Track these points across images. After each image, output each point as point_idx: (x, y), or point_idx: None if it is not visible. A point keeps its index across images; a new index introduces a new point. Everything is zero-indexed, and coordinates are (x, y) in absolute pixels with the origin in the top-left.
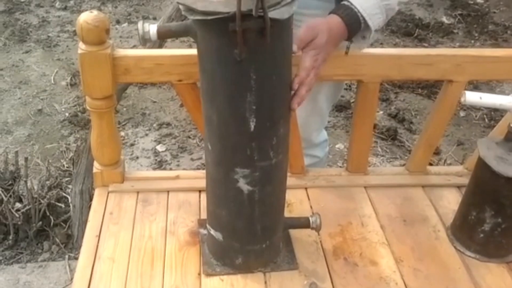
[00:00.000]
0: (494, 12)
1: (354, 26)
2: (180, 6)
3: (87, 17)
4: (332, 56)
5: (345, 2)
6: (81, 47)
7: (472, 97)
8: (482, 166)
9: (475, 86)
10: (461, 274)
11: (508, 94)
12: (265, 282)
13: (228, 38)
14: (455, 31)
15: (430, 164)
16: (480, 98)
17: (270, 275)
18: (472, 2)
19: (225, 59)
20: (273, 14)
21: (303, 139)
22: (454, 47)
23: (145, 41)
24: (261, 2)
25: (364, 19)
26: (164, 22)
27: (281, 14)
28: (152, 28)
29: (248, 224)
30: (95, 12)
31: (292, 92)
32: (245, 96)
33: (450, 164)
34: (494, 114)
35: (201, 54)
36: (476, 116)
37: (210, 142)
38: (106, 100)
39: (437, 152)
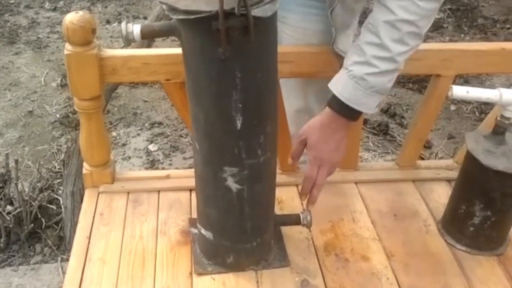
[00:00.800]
0: (483, 6)
1: (352, 112)
2: (163, 6)
3: (72, 17)
4: (318, 53)
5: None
6: (67, 48)
7: (459, 91)
8: (470, 160)
9: (465, 80)
10: (452, 267)
11: (496, 88)
12: (257, 281)
13: (211, 37)
14: (445, 25)
15: (422, 158)
16: (467, 92)
17: (262, 273)
18: None
19: (210, 58)
20: (256, 12)
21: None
22: (444, 42)
23: (129, 41)
24: (243, 0)
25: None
26: (152, 21)
27: (264, 12)
28: (135, 28)
29: (238, 223)
30: (80, 12)
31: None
32: (231, 95)
33: (441, 157)
34: (485, 108)
35: (186, 53)
36: (466, 109)
37: (198, 141)
38: (94, 100)
39: (428, 146)
